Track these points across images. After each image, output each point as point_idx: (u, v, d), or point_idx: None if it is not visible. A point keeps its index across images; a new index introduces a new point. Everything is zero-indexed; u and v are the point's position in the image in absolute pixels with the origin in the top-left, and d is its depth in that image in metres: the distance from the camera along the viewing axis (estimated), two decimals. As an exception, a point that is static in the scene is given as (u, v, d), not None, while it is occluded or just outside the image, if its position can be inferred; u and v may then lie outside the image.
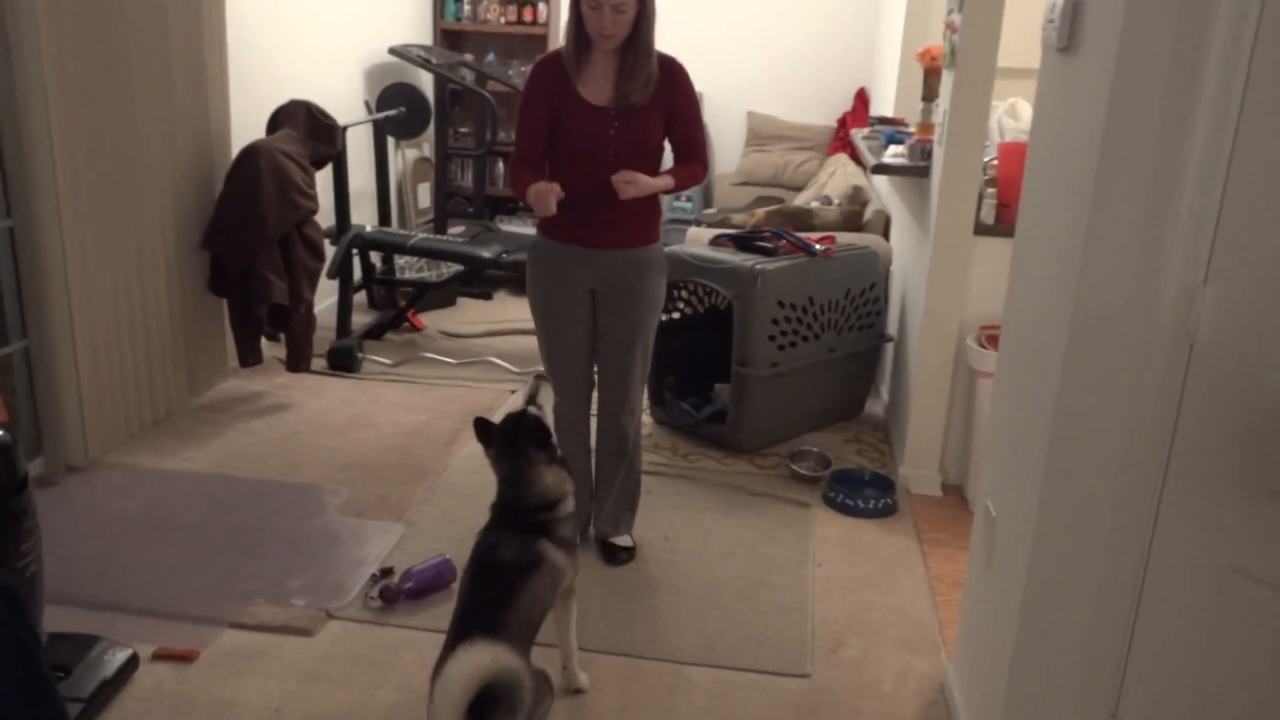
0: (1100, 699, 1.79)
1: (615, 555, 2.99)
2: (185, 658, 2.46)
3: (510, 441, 2.25)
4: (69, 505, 3.16)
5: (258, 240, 3.79)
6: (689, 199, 6.79)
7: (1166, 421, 1.64)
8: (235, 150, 3.93)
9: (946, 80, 3.44)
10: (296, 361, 4.10)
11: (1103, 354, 1.73)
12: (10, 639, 1.80)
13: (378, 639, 2.58)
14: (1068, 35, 1.91)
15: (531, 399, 2.32)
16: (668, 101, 2.69)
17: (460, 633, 1.97)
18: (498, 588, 2.06)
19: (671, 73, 2.70)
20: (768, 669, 2.54)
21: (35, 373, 3.31)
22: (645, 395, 3.08)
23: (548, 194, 2.61)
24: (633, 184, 2.63)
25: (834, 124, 6.80)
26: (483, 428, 2.28)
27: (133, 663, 2.39)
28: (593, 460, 3.04)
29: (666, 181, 2.72)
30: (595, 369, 2.96)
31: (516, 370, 4.50)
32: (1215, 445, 1.58)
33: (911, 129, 4.27)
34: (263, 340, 4.05)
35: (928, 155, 3.72)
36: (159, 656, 2.45)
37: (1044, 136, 2.09)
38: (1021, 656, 1.94)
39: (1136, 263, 1.66)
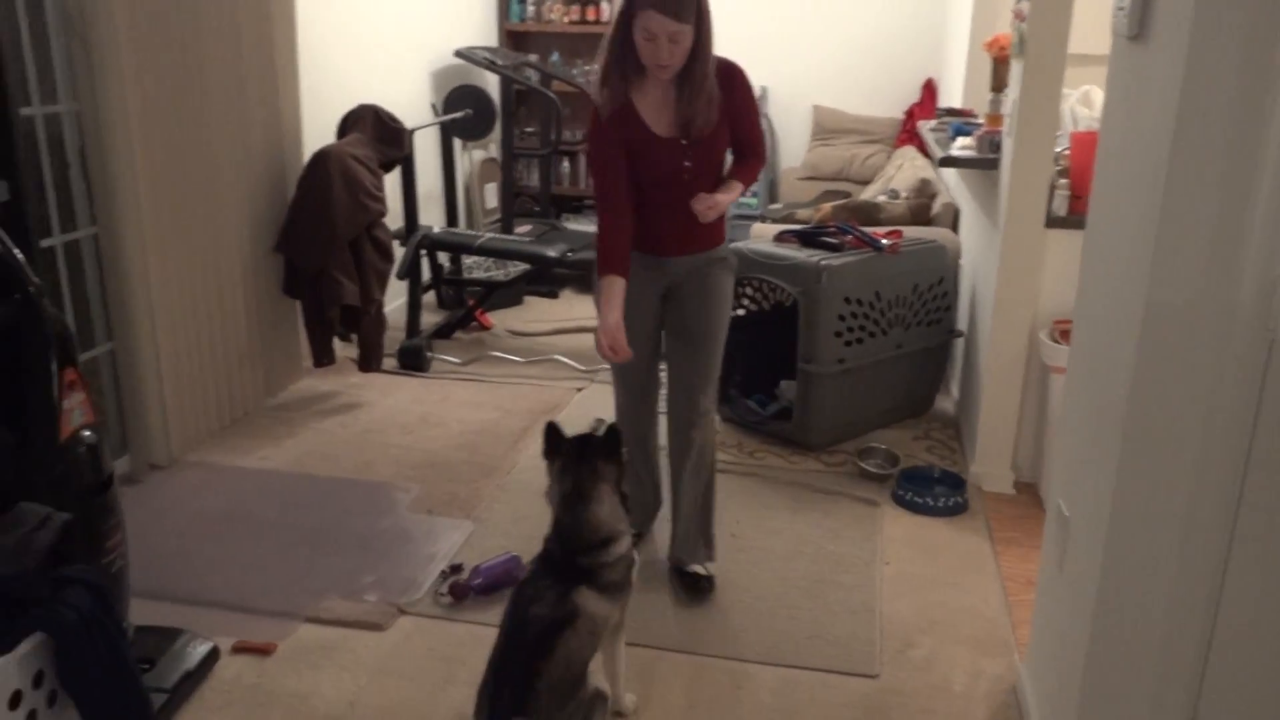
0: (1178, 706, 1.74)
1: (696, 584, 2.82)
2: (263, 651, 2.53)
3: (579, 453, 2.18)
4: (152, 502, 3.28)
5: (329, 243, 3.87)
6: (754, 194, 6.76)
7: (1245, 420, 1.59)
8: (307, 155, 4.02)
9: (1015, 70, 3.38)
10: (368, 361, 4.19)
11: (1177, 349, 1.69)
12: (99, 632, 1.87)
13: (448, 634, 2.63)
14: (1138, 23, 1.86)
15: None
16: (730, 110, 2.62)
17: (495, 698, 1.99)
18: (530, 651, 2.01)
19: (730, 78, 2.62)
20: (835, 668, 2.52)
21: (120, 374, 3.43)
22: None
23: (613, 344, 2.53)
24: (713, 208, 2.61)
25: (901, 116, 6.71)
26: (553, 435, 2.21)
27: (213, 655, 2.47)
28: (660, 470, 3.00)
29: (738, 191, 2.69)
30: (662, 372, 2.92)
31: (583, 368, 4.54)
32: (1298, 443, 1.53)
33: (980, 120, 4.19)
34: (335, 341, 4.14)
35: (996, 147, 3.66)
36: (238, 649, 2.53)
37: (1115, 126, 2.04)
38: (1096, 661, 1.90)
39: (1211, 255, 1.61)
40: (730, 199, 2.66)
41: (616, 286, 2.55)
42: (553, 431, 2.22)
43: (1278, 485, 1.56)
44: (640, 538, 3.00)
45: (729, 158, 2.78)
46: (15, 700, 1.76)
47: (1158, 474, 1.74)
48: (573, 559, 2.14)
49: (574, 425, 2.26)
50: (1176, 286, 1.68)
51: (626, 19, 2.42)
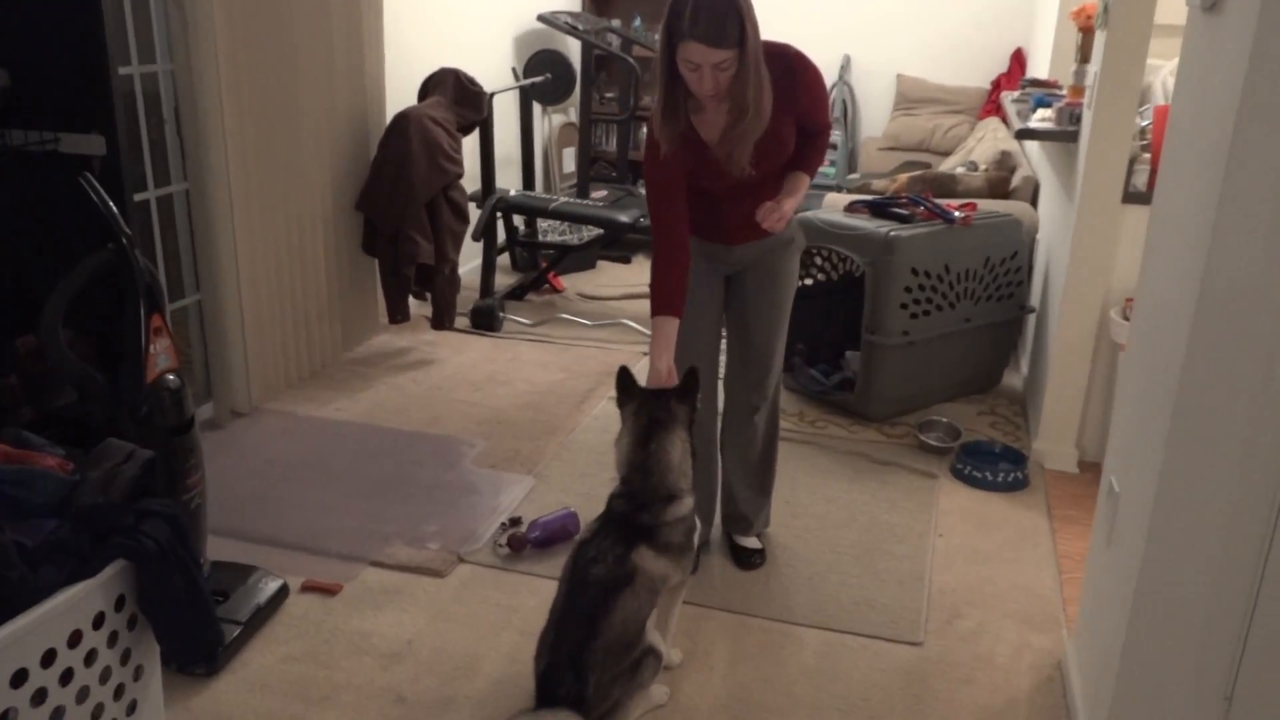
0: (1216, 682, 1.74)
1: (747, 559, 2.85)
2: (330, 590, 2.66)
3: (655, 393, 2.26)
4: (233, 447, 3.44)
5: (406, 203, 3.98)
6: (832, 163, 6.70)
7: (1297, 400, 1.57)
8: (389, 117, 4.13)
9: (1099, 40, 3.30)
10: (440, 319, 4.30)
11: (1230, 329, 1.67)
12: (176, 562, 2.00)
13: (504, 583, 2.73)
14: (1212, -6, 1.82)
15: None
16: (794, 107, 2.45)
17: (553, 654, 2.07)
18: (591, 611, 2.07)
19: (793, 73, 2.43)
20: (880, 634, 2.55)
21: (207, 325, 3.60)
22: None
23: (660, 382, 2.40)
24: (781, 219, 2.48)
25: (988, 86, 6.57)
26: (624, 379, 2.28)
27: (283, 592, 2.60)
28: (716, 458, 2.90)
29: (804, 187, 2.56)
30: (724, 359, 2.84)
31: (648, 333, 4.58)
32: (1347, 426, 1.51)
33: (1063, 92, 4.10)
34: (410, 299, 4.26)
35: (1077, 119, 3.58)
36: (306, 588, 2.66)
37: (1185, 101, 2.00)
38: (1135, 635, 1.90)
39: (1269, 235, 1.59)
40: (796, 201, 2.52)
41: (670, 328, 2.44)
42: (624, 376, 2.28)
43: (1326, 468, 1.55)
44: (701, 548, 2.90)
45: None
46: (99, 621, 1.90)
47: (1206, 453, 1.73)
48: (636, 516, 2.19)
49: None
50: (1233, 266, 1.66)
51: (670, 50, 2.28)
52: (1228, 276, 1.67)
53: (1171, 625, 1.82)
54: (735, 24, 2.20)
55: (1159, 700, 1.86)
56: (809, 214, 3.85)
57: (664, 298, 2.46)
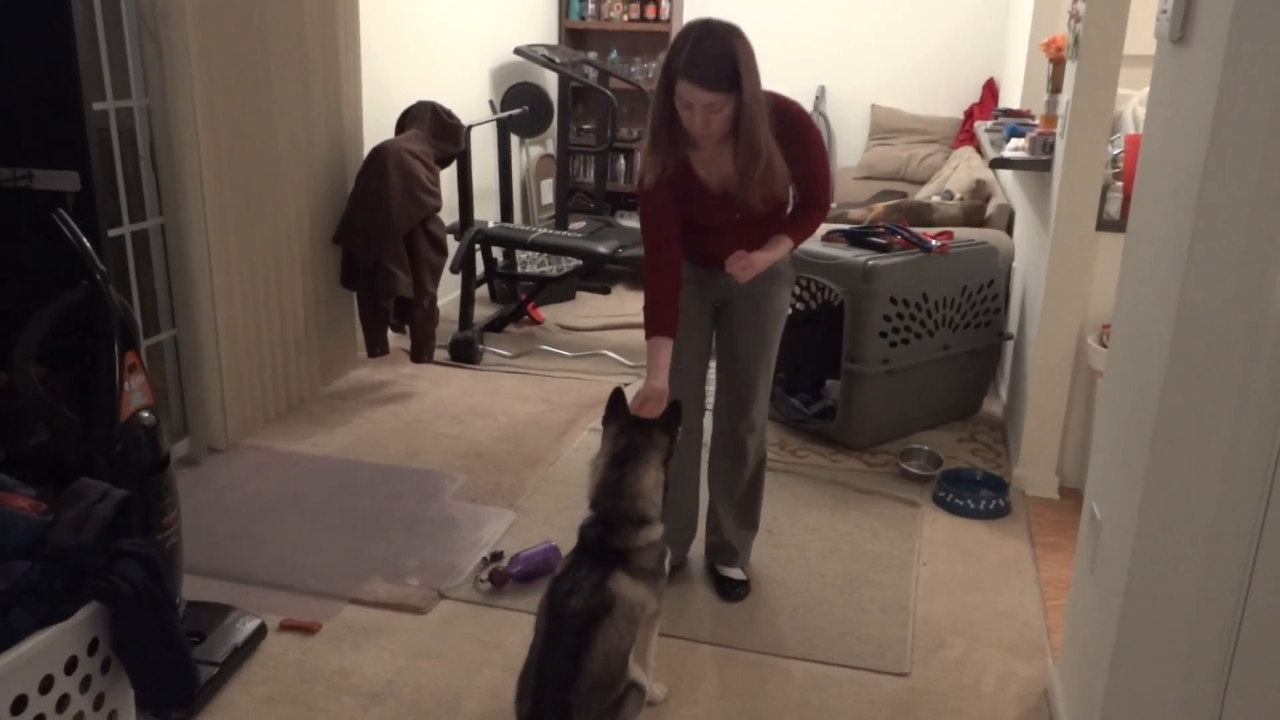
0: (1202, 711, 1.73)
1: (731, 590, 2.82)
2: (308, 629, 2.62)
3: (637, 420, 2.27)
4: (209, 484, 3.40)
5: (384, 236, 3.97)
6: (809, 194, 6.74)
7: (1273, 425, 1.58)
8: (367, 150, 4.13)
9: (1070, 71, 3.34)
10: (420, 352, 4.28)
11: (1207, 353, 1.68)
12: (151, 604, 1.96)
13: (485, 619, 2.69)
14: (1180, 26, 1.85)
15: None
16: (788, 154, 2.42)
17: (536, 706, 2.03)
18: (572, 650, 2.04)
19: (788, 122, 2.42)
20: (865, 665, 2.53)
21: (182, 360, 3.56)
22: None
23: (656, 407, 2.38)
24: (748, 269, 2.46)
25: (961, 116, 6.65)
26: (617, 401, 2.28)
27: (261, 632, 2.56)
28: (699, 488, 2.91)
29: (784, 249, 2.54)
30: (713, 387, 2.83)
31: (630, 364, 4.58)
32: (1326, 451, 1.52)
33: (1036, 122, 4.15)
34: (389, 332, 4.24)
35: (1049, 149, 3.63)
36: (285, 627, 2.62)
37: (1156, 130, 2.03)
38: (1120, 663, 1.90)
39: (1243, 260, 1.60)
40: (771, 258, 2.50)
41: (664, 350, 2.45)
42: (617, 397, 2.29)
43: (1306, 493, 1.55)
44: (677, 570, 2.90)
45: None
46: (71, 666, 1.86)
47: (1186, 477, 1.73)
48: (609, 540, 2.17)
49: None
50: (1208, 290, 1.67)
51: (668, 84, 2.28)
52: (1203, 302, 1.68)
53: (1156, 653, 1.82)
54: (730, 69, 2.22)
55: (1146, 728, 1.85)
56: (787, 244, 3.86)
57: (658, 319, 2.47)
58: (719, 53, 2.21)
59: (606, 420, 2.31)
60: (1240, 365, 1.63)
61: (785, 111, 2.44)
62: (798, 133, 2.45)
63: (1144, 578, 1.84)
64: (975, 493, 3.36)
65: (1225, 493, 1.66)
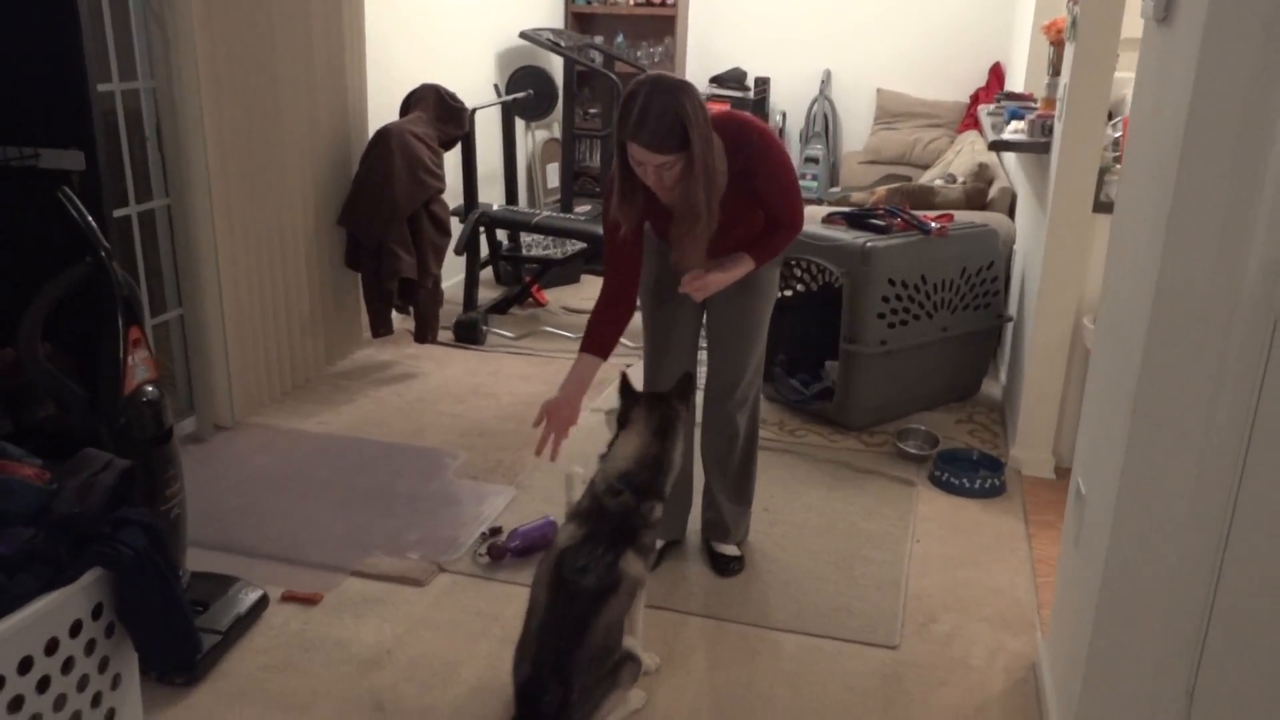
0: (1178, 677, 1.77)
1: (725, 566, 2.86)
2: (310, 600, 2.67)
3: (660, 395, 2.35)
4: (215, 460, 3.45)
5: (388, 218, 4.01)
6: (814, 177, 6.76)
7: (1248, 399, 1.61)
8: (371, 132, 4.16)
9: (1068, 53, 3.36)
10: (424, 333, 4.33)
11: (1185, 330, 1.71)
12: (154, 571, 2.01)
13: (484, 592, 2.74)
14: (1164, 5, 1.87)
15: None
16: (745, 178, 2.44)
17: (534, 673, 2.09)
18: (577, 623, 2.09)
19: (748, 154, 2.43)
20: (856, 639, 2.58)
21: (189, 339, 3.62)
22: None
23: (552, 425, 2.47)
24: (703, 289, 2.48)
25: (967, 100, 6.65)
26: (626, 383, 2.34)
27: (263, 602, 2.62)
28: (693, 466, 2.90)
29: (743, 269, 2.52)
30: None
31: (632, 345, 4.61)
32: (1298, 423, 1.55)
33: (1037, 104, 4.16)
34: (393, 313, 4.28)
35: (1048, 131, 3.64)
36: (287, 598, 2.67)
37: (1142, 110, 2.05)
38: (1100, 633, 1.93)
39: (1220, 238, 1.63)
40: (727, 279, 2.50)
41: (588, 368, 2.51)
42: (625, 382, 2.36)
43: (1278, 461, 1.58)
44: (674, 546, 2.96)
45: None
46: (76, 629, 1.91)
47: (1164, 451, 1.77)
48: (631, 515, 2.20)
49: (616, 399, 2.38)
50: (1186, 268, 1.70)
51: (621, 142, 2.29)
52: (1181, 280, 1.71)
53: (1135, 624, 1.86)
54: (678, 132, 2.21)
55: (1124, 697, 1.89)
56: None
57: (595, 338, 2.53)
58: (668, 114, 2.19)
59: (626, 404, 2.34)
60: (1217, 341, 1.66)
61: (745, 142, 2.43)
62: (759, 163, 2.45)
63: (1123, 551, 1.87)
64: (971, 472, 3.39)
65: (1202, 465, 1.69)
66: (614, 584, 2.15)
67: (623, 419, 2.34)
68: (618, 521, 2.21)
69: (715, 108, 2.46)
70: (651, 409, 2.32)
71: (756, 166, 2.44)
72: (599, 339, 2.54)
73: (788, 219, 2.55)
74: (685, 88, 2.26)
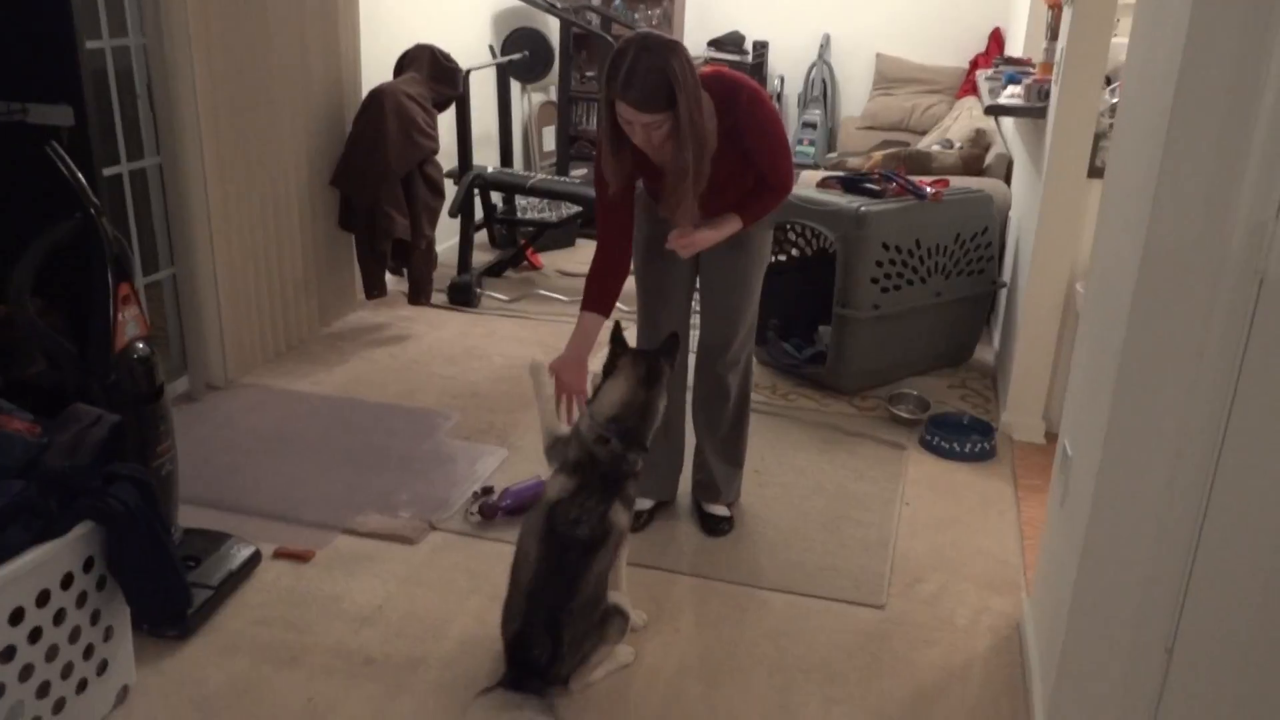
0: (1158, 634, 1.79)
1: (715, 526, 2.88)
2: (302, 557, 2.69)
3: (648, 350, 2.38)
4: (208, 420, 3.46)
5: (381, 178, 4.00)
6: (811, 142, 6.73)
7: (1233, 359, 1.61)
8: (364, 92, 4.14)
9: (1066, 17, 3.33)
10: (417, 295, 4.33)
11: (1170, 292, 1.71)
12: (144, 525, 2.03)
13: (474, 550, 2.76)
14: (1158, -36, 1.86)
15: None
16: (735, 137, 2.44)
17: (524, 626, 2.13)
18: (569, 575, 2.14)
19: (737, 114, 2.42)
20: (843, 598, 2.60)
21: (181, 299, 3.61)
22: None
23: (565, 378, 2.48)
24: (689, 246, 2.49)
25: (966, 66, 6.61)
26: (618, 333, 2.37)
27: (255, 558, 2.63)
28: (684, 428, 2.95)
29: (730, 228, 2.52)
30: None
31: (626, 309, 4.61)
32: (1280, 383, 1.55)
33: (1034, 69, 4.14)
34: (387, 275, 4.28)
35: (1045, 96, 3.62)
36: (279, 555, 2.69)
37: (1134, 73, 2.04)
38: (1082, 590, 1.95)
39: (1207, 198, 1.63)
40: (715, 237, 2.51)
41: (593, 325, 2.52)
42: (618, 331, 2.39)
43: (1261, 422, 1.59)
44: (664, 506, 2.99)
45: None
46: (67, 581, 1.93)
47: (1149, 410, 1.78)
48: (620, 462, 2.24)
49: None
50: (1174, 230, 1.70)
51: (609, 100, 2.27)
52: (1169, 242, 1.71)
53: (1115, 582, 1.88)
54: (665, 91, 2.20)
55: (1104, 653, 1.91)
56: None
57: (594, 296, 2.55)
58: (655, 73, 2.19)
59: (615, 351, 2.37)
60: (1202, 303, 1.66)
61: (735, 100, 2.41)
62: (748, 123, 2.43)
63: (1106, 510, 1.88)
64: (962, 436, 3.40)
65: (1185, 426, 1.70)
66: (604, 535, 2.19)
67: (609, 368, 2.36)
68: (606, 470, 2.24)
69: (707, 70, 2.45)
70: (638, 360, 2.35)
71: (746, 125, 2.43)
72: (598, 296, 2.56)
73: (776, 178, 2.54)
74: (673, 46, 2.24)
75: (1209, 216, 1.63)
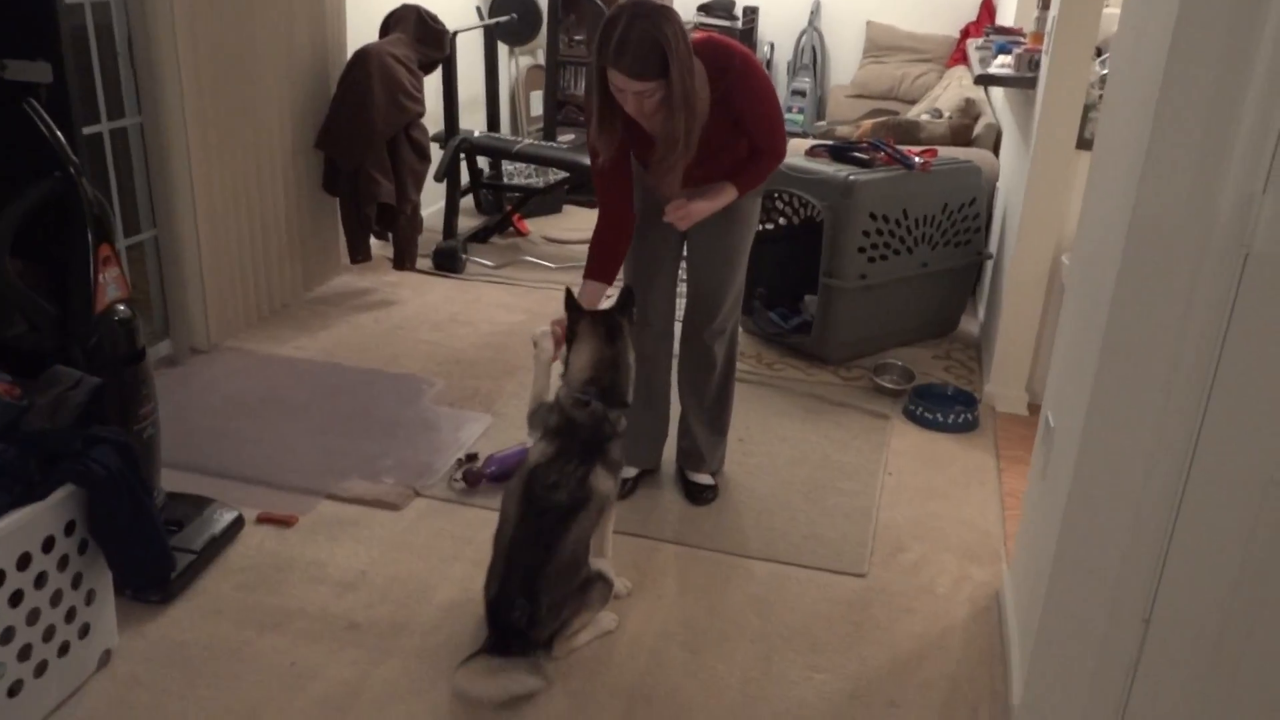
0: (1136, 604, 1.81)
1: (698, 494, 2.89)
2: (285, 522, 2.69)
3: (603, 311, 2.36)
4: (190, 384, 3.44)
5: (366, 141, 3.96)
6: (800, 111, 6.69)
7: (1216, 332, 1.62)
8: (349, 53, 4.08)
9: (1058, -14, 3.31)
10: (402, 260, 4.30)
11: (1157, 263, 1.71)
12: (126, 488, 2.02)
13: (458, 516, 2.77)
14: (1152, -67, 1.84)
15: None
16: (728, 104, 2.40)
17: (503, 589, 2.13)
18: (547, 538, 2.14)
19: (730, 79, 2.38)
20: (825, 566, 2.62)
21: (163, 261, 3.58)
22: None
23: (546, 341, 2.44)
24: (686, 218, 2.48)
25: (957, 35, 6.57)
26: (571, 298, 2.36)
27: (238, 523, 2.63)
28: (670, 396, 2.95)
29: (726, 197, 2.51)
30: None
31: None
32: (1264, 358, 1.56)
33: (1025, 39, 4.12)
34: (371, 239, 4.25)
35: (1035, 66, 3.60)
36: (262, 520, 2.69)
37: (1124, 44, 2.03)
38: (1062, 560, 1.97)
39: (1196, 170, 1.63)
40: (711, 207, 2.49)
41: (597, 291, 2.53)
42: (570, 296, 2.38)
43: (1244, 396, 1.60)
44: (648, 475, 2.99)
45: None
46: (49, 544, 1.92)
47: (1132, 383, 1.78)
48: (600, 424, 2.24)
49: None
50: (1161, 201, 1.70)
51: (601, 67, 2.26)
52: (1156, 213, 1.70)
53: (1094, 553, 1.89)
54: (658, 58, 2.18)
55: (1082, 623, 1.93)
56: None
57: (598, 264, 2.54)
58: (647, 40, 2.16)
59: (572, 318, 2.36)
60: (1187, 275, 1.66)
61: (727, 66, 2.39)
62: (739, 88, 2.41)
63: (1087, 482, 1.89)
64: (945, 407, 3.42)
65: (1167, 398, 1.71)
66: (584, 500, 2.20)
67: (570, 334, 2.36)
68: (587, 434, 2.24)
69: (698, 35, 2.42)
70: (595, 320, 2.34)
71: (738, 92, 2.41)
72: (602, 264, 2.55)
73: (769, 144, 2.53)
74: (666, 13, 2.21)
75: (1196, 189, 1.63)
